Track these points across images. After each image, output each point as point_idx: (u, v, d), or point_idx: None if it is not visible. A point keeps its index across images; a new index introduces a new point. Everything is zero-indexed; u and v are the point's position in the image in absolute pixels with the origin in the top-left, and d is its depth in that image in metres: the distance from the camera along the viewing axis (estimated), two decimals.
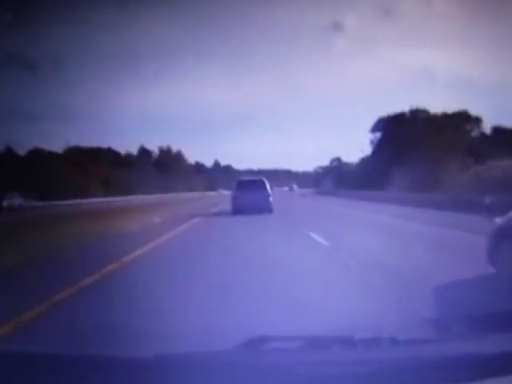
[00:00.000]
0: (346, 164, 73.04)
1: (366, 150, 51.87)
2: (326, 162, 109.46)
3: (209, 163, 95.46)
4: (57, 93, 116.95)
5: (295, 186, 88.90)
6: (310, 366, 1.39)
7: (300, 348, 1.55)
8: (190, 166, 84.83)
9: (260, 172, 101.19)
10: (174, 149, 77.18)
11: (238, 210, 18.73)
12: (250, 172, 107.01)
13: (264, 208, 18.76)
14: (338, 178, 70.35)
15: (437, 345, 1.70)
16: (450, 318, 3.57)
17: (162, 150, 76.02)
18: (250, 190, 19.37)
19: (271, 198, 19.51)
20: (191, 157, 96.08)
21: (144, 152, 72.89)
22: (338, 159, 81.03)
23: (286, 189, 78.23)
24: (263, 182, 20.35)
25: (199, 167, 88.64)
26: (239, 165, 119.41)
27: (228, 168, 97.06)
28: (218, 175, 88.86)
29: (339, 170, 72.54)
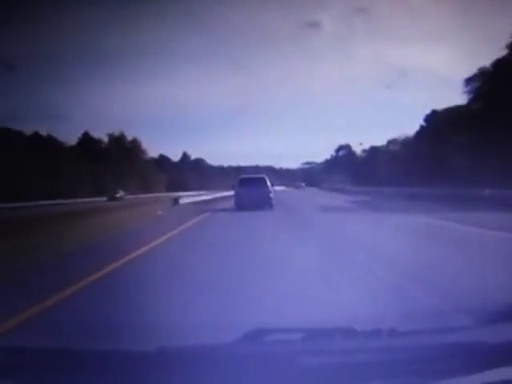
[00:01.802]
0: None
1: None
2: (307, 159, 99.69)
3: (176, 157, 77.69)
4: None
5: (303, 184, 76.01)
6: (312, 356, 1.41)
7: (301, 339, 1.53)
8: (153, 159, 67.52)
9: (239, 168, 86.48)
10: (130, 136, 59.58)
11: (240, 206, 20.00)
12: (229, 168, 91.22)
13: (265, 204, 19.85)
14: (348, 171, 56.55)
15: (437, 335, 1.72)
16: None
17: (112, 139, 58.29)
18: (251, 187, 20.68)
19: (272, 194, 20.77)
20: (155, 149, 78.76)
21: (87, 140, 54.88)
22: (348, 147, 65.87)
23: (281, 188, 61.23)
24: (264, 179, 21.56)
25: (163, 161, 70.71)
26: (214, 160, 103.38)
27: (199, 162, 79.03)
28: (186, 171, 70.88)
29: (349, 160, 58.04)
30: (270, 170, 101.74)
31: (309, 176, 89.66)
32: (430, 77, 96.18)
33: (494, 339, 1.48)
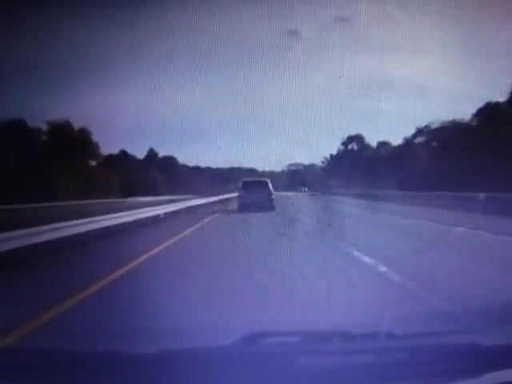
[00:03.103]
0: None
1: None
2: (293, 161, 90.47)
3: (141, 154, 62.73)
4: None
5: (305, 188, 63.56)
6: (310, 359, 1.46)
7: (300, 341, 1.59)
8: (111, 156, 53.49)
9: (218, 169, 74.55)
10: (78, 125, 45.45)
11: (243, 208, 21.44)
12: (207, 169, 77.45)
13: (267, 206, 21.11)
14: (357, 171, 44.36)
15: (434, 338, 1.76)
16: None
17: (53, 127, 44.13)
18: (254, 190, 22.16)
19: (273, 197, 22.28)
20: (113, 144, 64.55)
21: (13, 127, 40.66)
22: (359, 136, 53.19)
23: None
24: (266, 182, 23.28)
25: (122, 158, 56.52)
26: (189, 160, 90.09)
27: (170, 161, 65.06)
28: (152, 171, 56.78)
29: (356, 157, 45.63)
30: (252, 173, 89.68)
31: (297, 178, 77.16)
32: (411, 86, 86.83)
33: (493, 342, 1.52)
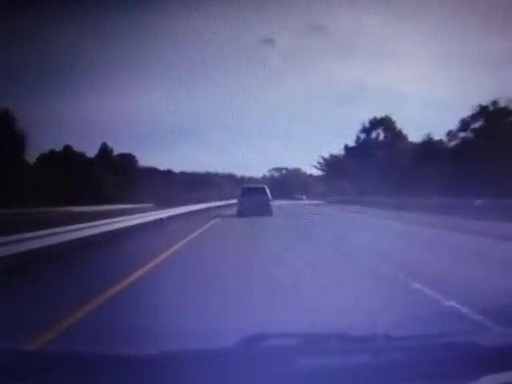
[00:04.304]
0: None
1: None
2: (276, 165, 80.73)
3: (92, 151, 49.56)
4: None
5: (304, 197, 59.32)
6: (309, 361, 1.44)
7: (299, 343, 1.56)
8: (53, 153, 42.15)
9: (193, 174, 64.66)
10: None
11: (242, 213, 21.73)
12: (182, 174, 66.87)
13: (265, 211, 21.33)
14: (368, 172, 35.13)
15: (433, 339, 1.74)
16: None
17: None
18: (252, 196, 22.53)
19: (271, 203, 22.76)
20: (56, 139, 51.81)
21: None
22: (386, 121, 43.56)
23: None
24: (264, 189, 23.78)
25: (67, 156, 43.86)
26: (152, 162, 74.31)
27: (127, 160, 51.21)
28: (102, 173, 43.60)
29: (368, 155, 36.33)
30: (230, 178, 78.36)
31: (285, 184, 66.22)
32: (386, 93, 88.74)
33: (493, 343, 1.52)
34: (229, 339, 1.66)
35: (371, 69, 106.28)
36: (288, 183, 63.90)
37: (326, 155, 62.12)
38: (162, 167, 69.50)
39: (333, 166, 54.95)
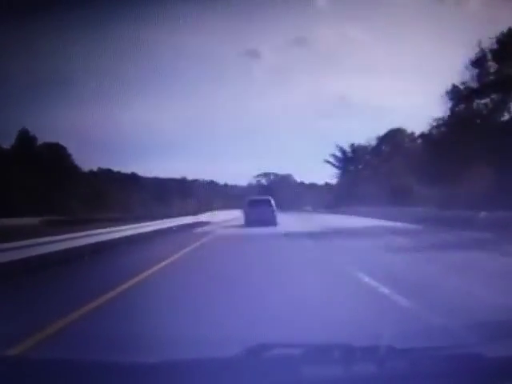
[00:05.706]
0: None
1: None
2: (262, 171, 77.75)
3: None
4: None
5: (309, 208, 60.23)
6: (312, 371, 1.44)
7: (302, 353, 1.55)
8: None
9: (177, 181, 62.29)
10: None
11: (249, 223, 22.97)
12: (168, 180, 65.09)
13: (270, 222, 22.44)
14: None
15: (436, 351, 1.74)
16: None
17: None
18: (258, 207, 23.91)
19: (276, 213, 23.80)
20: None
21: None
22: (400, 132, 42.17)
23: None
24: (269, 200, 24.88)
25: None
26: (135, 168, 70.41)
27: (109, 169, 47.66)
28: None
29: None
30: (211, 186, 74.64)
31: (273, 193, 58.38)
32: (369, 105, 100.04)
33: (497, 354, 1.52)
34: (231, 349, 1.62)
35: (354, 81, 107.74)
36: (279, 191, 57.98)
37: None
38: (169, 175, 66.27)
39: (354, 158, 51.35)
